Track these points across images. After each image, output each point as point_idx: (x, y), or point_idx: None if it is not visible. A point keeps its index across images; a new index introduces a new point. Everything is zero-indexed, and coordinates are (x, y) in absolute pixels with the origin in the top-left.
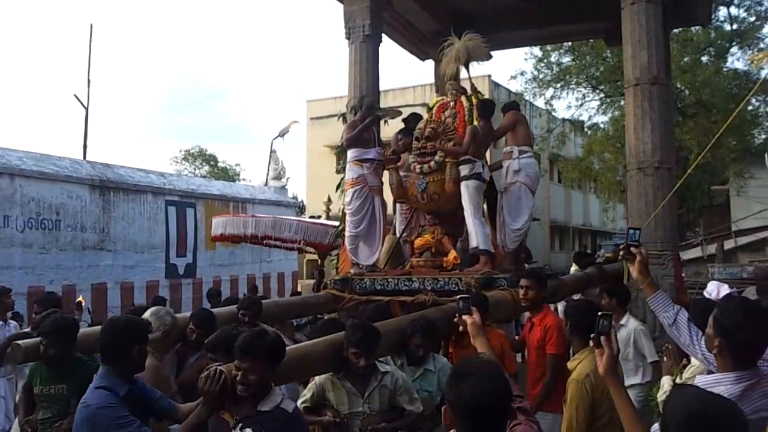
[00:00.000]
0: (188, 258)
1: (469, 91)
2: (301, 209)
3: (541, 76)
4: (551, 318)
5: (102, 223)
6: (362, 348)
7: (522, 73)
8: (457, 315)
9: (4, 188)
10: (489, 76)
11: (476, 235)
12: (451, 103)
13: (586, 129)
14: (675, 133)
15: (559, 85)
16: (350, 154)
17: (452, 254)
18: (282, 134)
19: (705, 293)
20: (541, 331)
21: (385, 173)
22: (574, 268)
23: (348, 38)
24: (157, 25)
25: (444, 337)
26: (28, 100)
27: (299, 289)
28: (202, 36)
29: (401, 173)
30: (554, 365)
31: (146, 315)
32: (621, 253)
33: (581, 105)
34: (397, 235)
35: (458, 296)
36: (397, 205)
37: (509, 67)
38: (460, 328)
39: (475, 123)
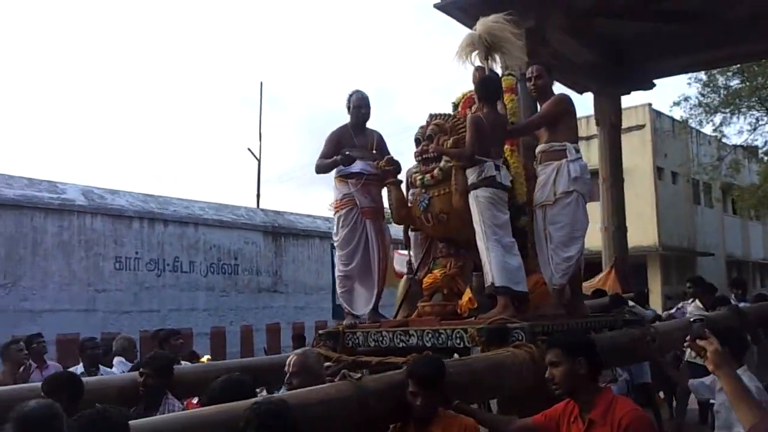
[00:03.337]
0: None
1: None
2: None
3: (707, 101)
4: (625, 407)
5: (275, 266)
6: None
7: (686, 99)
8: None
9: (189, 236)
10: (649, 104)
11: (490, 266)
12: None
13: (761, 154)
14: None
15: (728, 110)
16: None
17: (466, 295)
18: None
19: None
20: None
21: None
22: (692, 306)
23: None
24: (321, 76)
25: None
26: (209, 155)
27: None
28: (359, 83)
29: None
30: None
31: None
32: (686, 344)
33: (755, 129)
34: (414, 272)
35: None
36: (412, 233)
37: (671, 94)
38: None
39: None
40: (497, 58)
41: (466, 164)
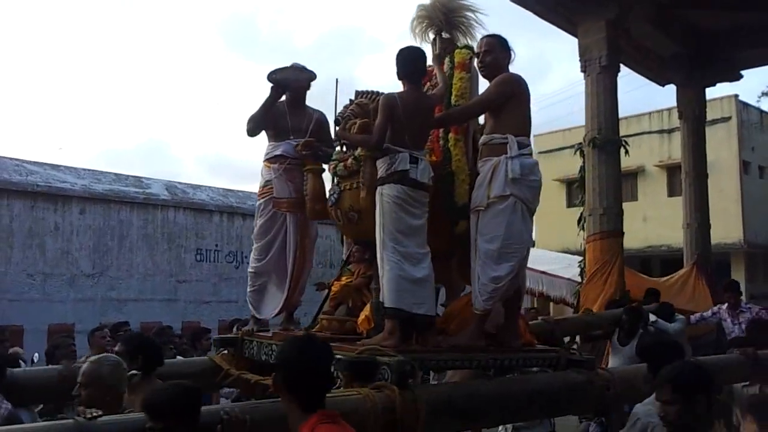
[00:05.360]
0: None
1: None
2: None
3: None
4: None
5: None
6: None
7: None
8: None
9: None
10: (736, 96)
11: (383, 281)
12: (434, 70)
13: None
14: None
15: None
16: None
17: (364, 313)
18: None
19: None
20: None
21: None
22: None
23: (584, 71)
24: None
25: None
26: None
27: None
28: None
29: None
30: None
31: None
32: None
33: None
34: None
35: None
36: None
37: (759, 84)
38: None
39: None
40: (452, 32)
41: (374, 153)
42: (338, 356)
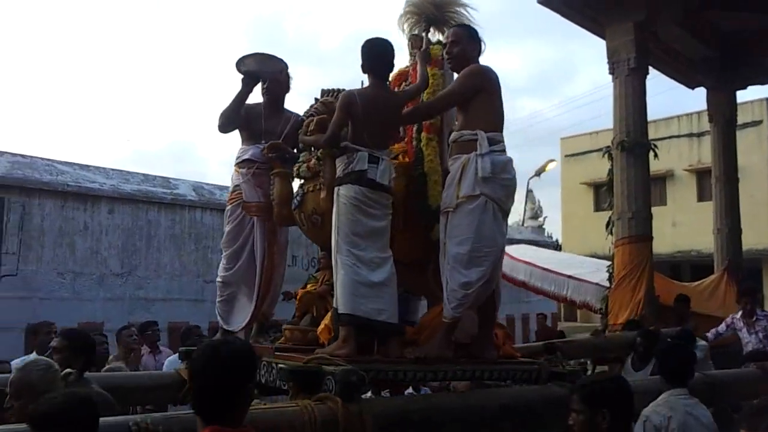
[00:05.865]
0: None
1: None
2: (557, 248)
3: None
4: None
5: None
6: None
7: None
8: None
9: (292, 231)
10: (767, 99)
11: (336, 286)
12: (411, 70)
13: None
14: None
15: None
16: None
17: (325, 320)
18: (538, 173)
19: None
20: None
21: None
22: None
23: (611, 73)
24: None
25: None
26: None
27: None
28: None
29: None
30: None
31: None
32: None
33: None
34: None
35: None
36: None
37: None
38: None
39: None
40: (442, 28)
41: (333, 152)
42: (281, 366)
